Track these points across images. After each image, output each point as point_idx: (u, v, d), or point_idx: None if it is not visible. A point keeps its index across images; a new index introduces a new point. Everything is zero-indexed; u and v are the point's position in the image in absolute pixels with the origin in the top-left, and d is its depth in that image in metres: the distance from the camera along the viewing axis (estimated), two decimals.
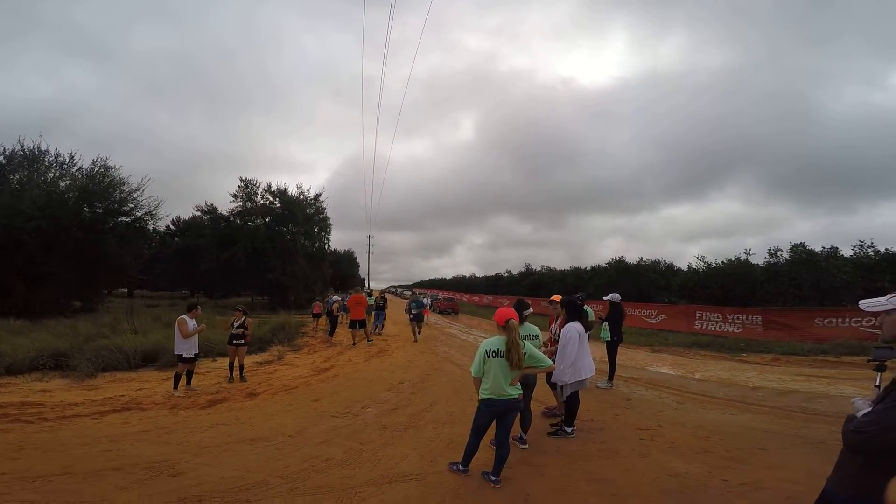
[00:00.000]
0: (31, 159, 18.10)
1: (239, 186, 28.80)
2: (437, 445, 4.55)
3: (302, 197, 30.09)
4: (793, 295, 14.69)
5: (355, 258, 57.90)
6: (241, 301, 26.34)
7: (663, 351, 11.11)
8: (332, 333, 13.72)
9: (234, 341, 7.75)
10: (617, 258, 25.77)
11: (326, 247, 34.33)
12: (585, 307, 5.51)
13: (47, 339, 9.13)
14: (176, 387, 6.68)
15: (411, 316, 14.00)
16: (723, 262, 18.35)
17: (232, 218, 29.09)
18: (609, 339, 7.33)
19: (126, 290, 33.77)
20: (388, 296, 19.64)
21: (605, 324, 7.43)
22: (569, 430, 4.83)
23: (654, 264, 24.11)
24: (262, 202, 29.11)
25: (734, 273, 17.12)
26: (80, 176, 18.92)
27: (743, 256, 17.62)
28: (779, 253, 16.48)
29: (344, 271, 50.88)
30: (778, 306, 14.08)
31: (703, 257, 19.53)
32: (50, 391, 6.52)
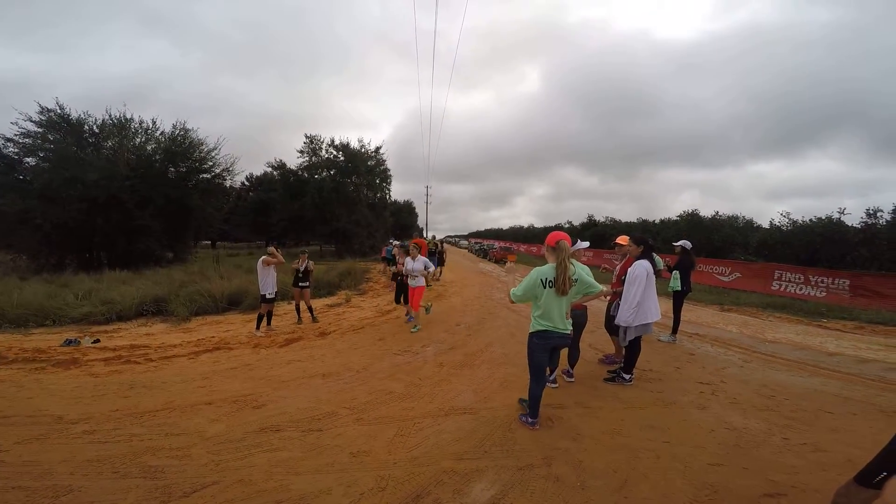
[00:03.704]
0: (120, 127, 19.67)
1: (304, 142, 30.27)
2: (491, 384, 4.74)
3: (363, 150, 30.92)
4: (889, 261, 12.99)
5: (414, 208, 59.35)
6: (310, 249, 28.00)
7: (733, 310, 10.36)
8: (394, 278, 14.25)
9: (300, 284, 8.24)
10: (689, 211, 23.94)
11: (387, 197, 35.26)
12: (654, 255, 5.18)
13: (148, 287, 10.25)
14: (258, 327, 7.34)
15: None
16: (811, 221, 16.44)
17: (300, 172, 30.74)
18: (679, 288, 6.90)
19: (209, 241, 37.03)
20: (446, 245, 19.96)
21: (675, 272, 6.95)
22: (627, 377, 4.74)
23: (732, 219, 22.04)
24: (326, 156, 30.31)
25: (823, 233, 15.27)
26: (163, 139, 20.45)
27: (835, 216, 15.59)
28: (878, 214, 14.42)
29: (404, 220, 52.26)
30: (871, 271, 12.52)
31: (787, 214, 17.55)
32: (153, 334, 7.40)
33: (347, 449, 3.22)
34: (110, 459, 3.06)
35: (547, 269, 3.35)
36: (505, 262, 26.70)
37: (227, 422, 3.71)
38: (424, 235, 40.22)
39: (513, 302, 3.48)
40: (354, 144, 30.71)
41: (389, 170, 33.37)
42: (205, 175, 21.53)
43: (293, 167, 31.21)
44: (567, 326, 3.41)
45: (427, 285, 13.31)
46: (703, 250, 19.14)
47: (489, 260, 29.72)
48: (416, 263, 7.60)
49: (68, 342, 6.64)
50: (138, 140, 20.21)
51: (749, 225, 21.59)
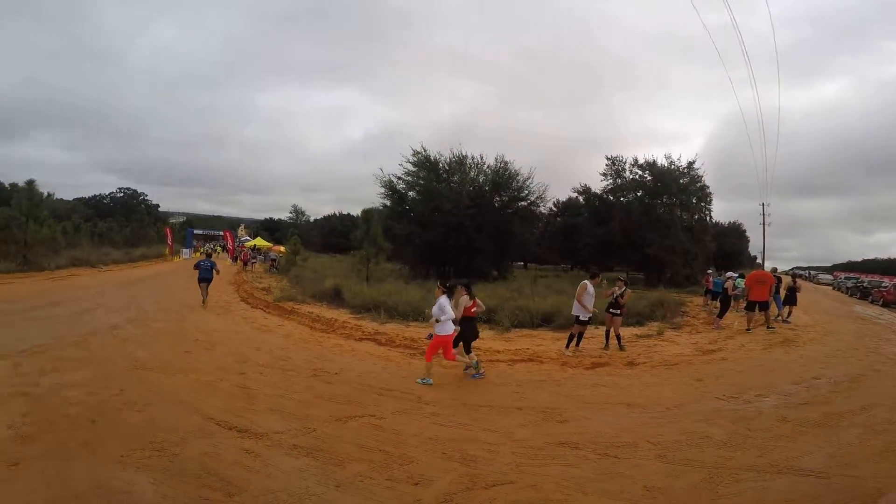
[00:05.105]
0: (459, 162, 24.49)
1: (606, 164, 29.69)
2: (863, 451, 3.58)
3: (673, 167, 27.93)
4: None
5: (744, 231, 48.14)
6: (616, 276, 27.31)
7: None
8: (721, 315, 12.03)
9: (611, 310, 8.06)
10: None
11: (708, 218, 30.54)
12: None
13: (481, 299, 12.24)
14: (567, 346, 7.61)
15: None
16: None
17: (604, 195, 30.52)
18: None
19: (522, 262, 41.40)
20: (799, 281, 15.33)
21: None
22: None
23: None
24: (630, 177, 28.99)
25: None
26: (489, 171, 24.37)
27: None
28: None
29: (729, 247, 43.40)
30: None
31: None
32: (482, 339, 8.49)
33: (641, 482, 3.00)
34: (442, 441, 3.67)
35: None
36: None
37: (533, 429, 4.00)
38: (759, 263, 32.74)
39: None
40: (661, 162, 28.14)
41: (708, 187, 28.90)
42: (522, 203, 24.35)
43: (597, 191, 31.35)
44: None
45: (768, 327, 10.69)
46: None
47: (871, 301, 21.54)
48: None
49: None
50: (472, 174, 24.72)
51: None
